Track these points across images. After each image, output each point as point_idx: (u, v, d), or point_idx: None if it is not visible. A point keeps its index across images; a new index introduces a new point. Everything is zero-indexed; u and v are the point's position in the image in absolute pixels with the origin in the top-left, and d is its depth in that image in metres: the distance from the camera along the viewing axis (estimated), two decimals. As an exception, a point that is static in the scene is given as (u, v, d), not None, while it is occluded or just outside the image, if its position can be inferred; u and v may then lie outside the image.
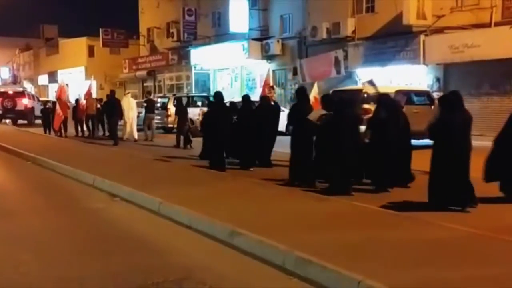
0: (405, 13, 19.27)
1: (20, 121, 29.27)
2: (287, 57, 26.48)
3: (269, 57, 27.20)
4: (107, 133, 19.69)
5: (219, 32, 31.00)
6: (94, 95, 26.55)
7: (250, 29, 28.08)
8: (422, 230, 5.99)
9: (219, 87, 31.50)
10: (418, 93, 16.26)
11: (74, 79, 50.50)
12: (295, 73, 25.19)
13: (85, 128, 21.03)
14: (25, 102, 28.61)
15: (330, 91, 14.22)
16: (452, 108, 7.35)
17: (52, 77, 54.88)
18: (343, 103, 9.06)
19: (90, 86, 22.00)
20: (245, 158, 11.64)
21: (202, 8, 32.44)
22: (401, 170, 8.77)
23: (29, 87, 61.00)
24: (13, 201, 8.95)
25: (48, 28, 66.05)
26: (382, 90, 10.28)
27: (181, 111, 16.67)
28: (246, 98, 12.70)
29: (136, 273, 5.17)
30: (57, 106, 20.25)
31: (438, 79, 19.69)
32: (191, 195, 8.18)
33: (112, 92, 19.21)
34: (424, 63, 19.61)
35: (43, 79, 57.92)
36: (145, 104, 19.43)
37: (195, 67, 32.41)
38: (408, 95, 14.57)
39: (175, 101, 18.60)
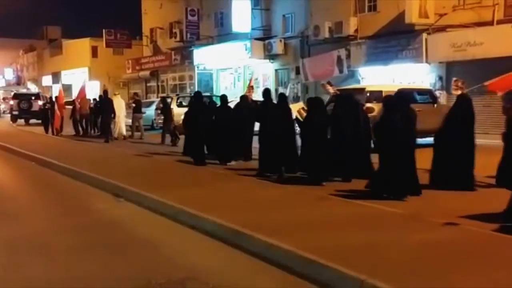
0: (407, 12, 19.26)
1: (32, 121, 30.45)
2: (289, 56, 26.52)
3: (272, 57, 27.25)
4: (98, 132, 20.58)
5: (222, 32, 31.07)
6: (95, 95, 27.54)
7: (252, 29, 28.12)
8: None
9: (222, 86, 31.63)
10: (421, 91, 16.24)
11: (78, 79, 50.68)
12: (297, 72, 25.24)
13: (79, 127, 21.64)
14: (40, 103, 29.91)
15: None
16: (393, 109, 7.90)
17: (56, 78, 55.08)
18: (312, 103, 9.74)
19: (83, 87, 22.51)
20: (222, 154, 12.26)
21: (205, 8, 32.51)
22: (362, 164, 9.31)
23: (33, 87, 61.32)
24: (18, 202, 9.02)
25: (52, 29, 66.38)
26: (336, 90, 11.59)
27: (166, 110, 17.51)
28: (223, 97, 13.29)
29: (140, 273, 5.23)
30: (56, 107, 21.16)
31: (440, 78, 19.68)
32: (194, 195, 8.28)
33: (105, 92, 19.94)
34: (426, 62, 19.61)
35: (47, 80, 58.13)
36: (133, 105, 19.97)
37: (198, 67, 32.49)
38: (412, 94, 14.65)
39: (161, 101, 19.30)
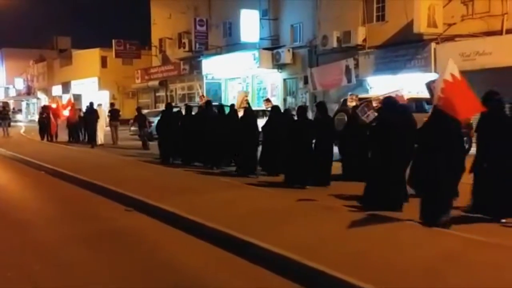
0: (415, 21, 19.24)
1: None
2: (297, 66, 26.55)
3: (280, 66, 27.30)
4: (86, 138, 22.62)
5: (230, 42, 31.19)
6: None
7: (261, 39, 28.21)
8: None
9: (230, 96, 31.68)
10: (430, 101, 16.13)
11: (87, 89, 50.99)
12: (306, 81, 25.22)
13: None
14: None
15: (341, 99, 14.28)
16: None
17: (66, 88, 55.40)
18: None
19: (70, 99, 25.15)
20: (189, 156, 13.99)
21: (214, 18, 32.67)
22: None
23: (43, 97, 61.75)
24: (28, 212, 9.05)
25: (62, 40, 66.70)
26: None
27: (140, 119, 20.08)
28: (187, 106, 15.30)
29: (147, 282, 5.23)
30: (51, 115, 23.94)
31: (449, 87, 19.55)
32: (202, 203, 8.33)
33: (91, 104, 22.48)
34: (435, 71, 19.52)
35: (56, 90, 58.49)
36: (109, 114, 22.52)
37: (206, 77, 32.61)
38: (421, 103, 14.67)
39: (136, 111, 21.31)
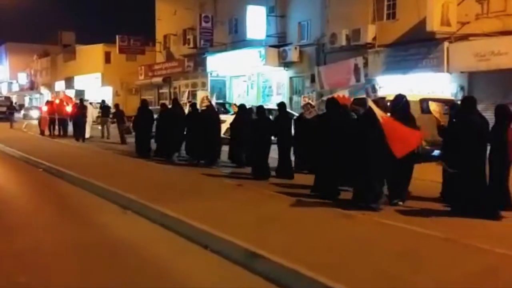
0: (428, 19, 18.60)
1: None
2: (304, 64, 25.97)
3: (287, 64, 26.73)
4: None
5: (236, 39, 30.61)
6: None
7: (267, 36, 27.63)
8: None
9: (235, 94, 31.15)
10: (444, 102, 15.55)
11: (90, 85, 50.56)
12: (313, 80, 24.67)
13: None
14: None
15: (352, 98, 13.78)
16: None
17: (69, 83, 55.00)
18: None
19: (61, 94, 27.15)
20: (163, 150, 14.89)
21: (219, 15, 32.12)
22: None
23: (46, 93, 61.37)
24: (23, 214, 8.49)
25: (66, 35, 66.49)
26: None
27: (119, 115, 21.45)
28: (162, 104, 17.03)
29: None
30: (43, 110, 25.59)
31: (462, 88, 18.98)
32: (206, 208, 7.76)
33: (81, 100, 24.07)
34: (447, 71, 18.93)
35: (59, 85, 58.07)
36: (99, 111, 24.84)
37: (211, 74, 32.04)
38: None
39: (115, 108, 23.06)
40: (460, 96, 18.65)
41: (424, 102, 14.40)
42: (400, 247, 5.80)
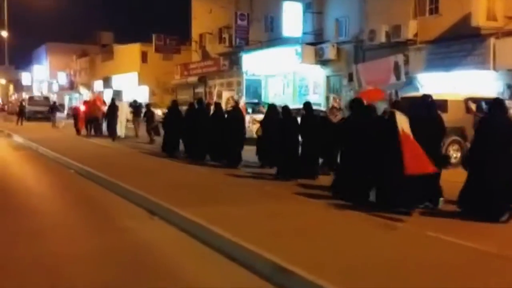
0: (473, 14, 17.69)
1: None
2: (342, 62, 25.26)
3: (323, 62, 26.04)
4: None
5: (272, 37, 30.08)
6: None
7: (303, 33, 26.97)
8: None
9: (270, 93, 30.64)
10: (490, 101, 14.70)
11: (127, 84, 50.95)
12: (350, 79, 23.93)
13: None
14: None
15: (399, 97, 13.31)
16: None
17: (107, 83, 55.58)
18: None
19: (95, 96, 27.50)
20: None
21: (255, 12, 31.67)
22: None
23: (85, 92, 62.25)
24: (49, 217, 8.24)
25: (104, 35, 67.33)
26: None
27: (149, 114, 21.52)
28: (190, 104, 16.52)
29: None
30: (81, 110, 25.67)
31: (509, 86, 17.96)
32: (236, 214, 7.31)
33: (113, 100, 24.21)
34: (494, 69, 17.96)
35: (98, 85, 58.79)
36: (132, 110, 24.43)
37: (246, 73, 31.61)
38: (479, 103, 13.29)
39: (146, 107, 23.19)
40: (507, 95, 17.68)
41: (468, 101, 13.71)
42: (449, 266, 5.21)
